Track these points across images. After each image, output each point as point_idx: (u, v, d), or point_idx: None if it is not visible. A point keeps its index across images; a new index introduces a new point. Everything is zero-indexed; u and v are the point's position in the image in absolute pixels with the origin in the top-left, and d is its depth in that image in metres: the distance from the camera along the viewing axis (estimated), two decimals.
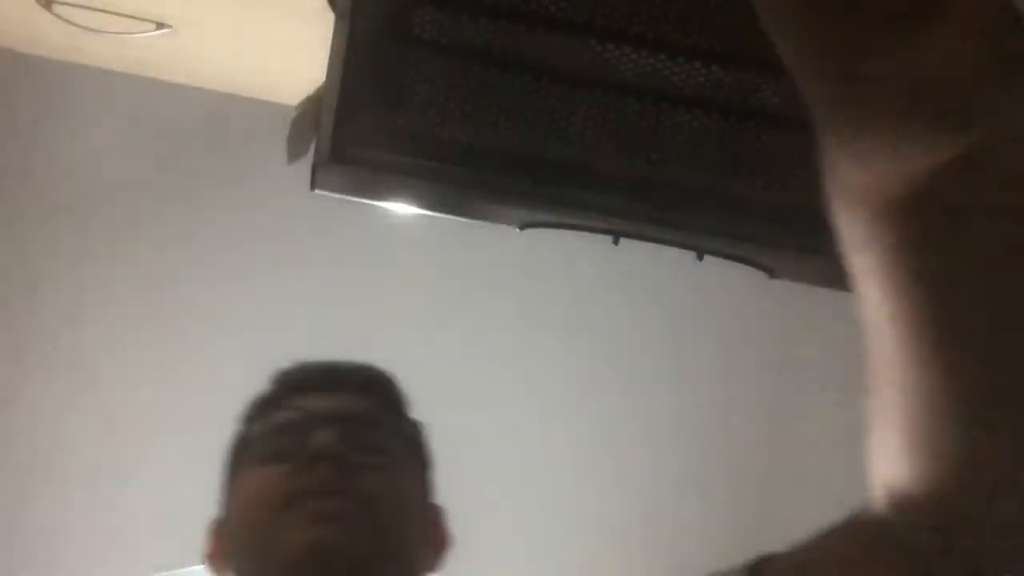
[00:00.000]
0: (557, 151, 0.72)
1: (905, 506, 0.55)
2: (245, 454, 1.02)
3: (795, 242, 0.75)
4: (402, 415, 1.06)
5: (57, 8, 1.57)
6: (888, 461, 0.56)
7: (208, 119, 2.22)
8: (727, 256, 0.77)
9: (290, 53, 1.54)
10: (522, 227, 0.77)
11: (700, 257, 0.78)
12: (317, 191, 0.74)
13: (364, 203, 0.78)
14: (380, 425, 1.03)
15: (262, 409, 1.06)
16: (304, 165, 0.76)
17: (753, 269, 0.79)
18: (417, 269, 2.32)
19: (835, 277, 0.86)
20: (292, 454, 0.97)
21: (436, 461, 1.08)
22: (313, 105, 0.81)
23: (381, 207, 0.80)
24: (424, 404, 2.51)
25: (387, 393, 1.08)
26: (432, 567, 1.02)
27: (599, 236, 0.76)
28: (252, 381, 1.08)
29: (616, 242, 0.76)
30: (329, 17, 0.74)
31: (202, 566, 1.05)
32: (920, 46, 0.48)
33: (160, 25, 1.62)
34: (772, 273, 0.81)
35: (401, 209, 0.80)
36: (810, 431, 2.43)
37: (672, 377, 2.41)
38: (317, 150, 0.72)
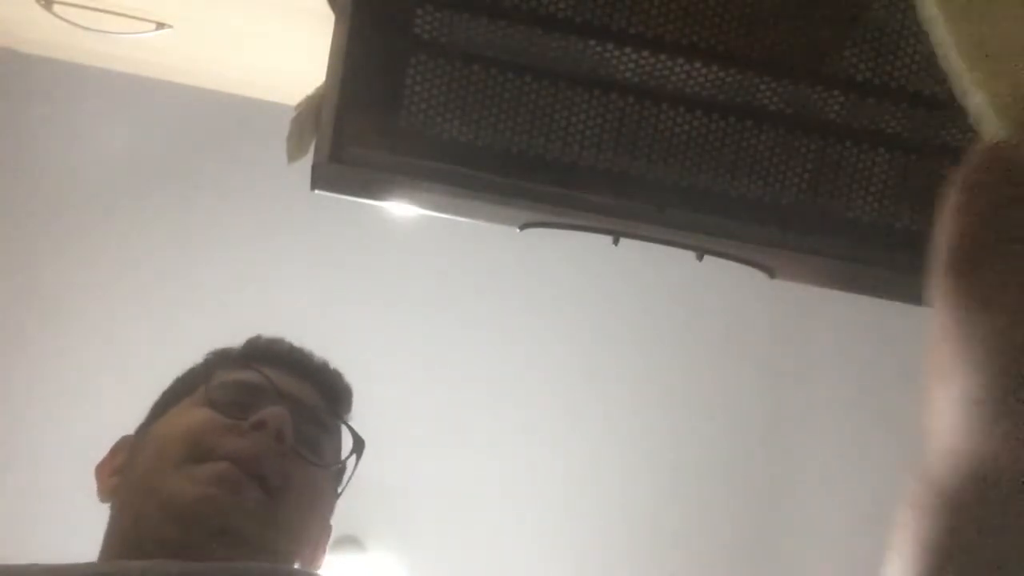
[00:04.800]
0: (557, 151, 0.71)
1: None
2: (193, 392, 1.01)
3: (795, 242, 0.75)
4: (348, 428, 1.06)
5: (57, 8, 1.57)
6: None
7: (208, 119, 2.22)
8: (727, 256, 0.77)
9: (290, 53, 1.54)
10: (522, 227, 0.77)
11: (700, 257, 0.78)
12: (317, 191, 0.74)
13: (364, 203, 0.78)
14: (328, 429, 1.03)
15: (228, 361, 1.05)
16: (304, 165, 0.76)
17: (753, 269, 0.79)
18: (417, 269, 2.32)
19: (835, 277, 0.86)
20: (240, 412, 0.96)
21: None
22: (313, 105, 0.81)
23: (381, 207, 0.80)
24: (423, 403, 2.49)
25: (344, 403, 1.08)
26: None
27: (599, 236, 0.76)
28: None
29: (616, 242, 0.76)
30: (329, 17, 0.74)
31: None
32: None
33: (160, 25, 1.62)
34: (772, 273, 0.81)
35: (401, 209, 0.80)
36: (810, 431, 2.43)
37: (672, 377, 2.41)
38: (317, 150, 0.72)
